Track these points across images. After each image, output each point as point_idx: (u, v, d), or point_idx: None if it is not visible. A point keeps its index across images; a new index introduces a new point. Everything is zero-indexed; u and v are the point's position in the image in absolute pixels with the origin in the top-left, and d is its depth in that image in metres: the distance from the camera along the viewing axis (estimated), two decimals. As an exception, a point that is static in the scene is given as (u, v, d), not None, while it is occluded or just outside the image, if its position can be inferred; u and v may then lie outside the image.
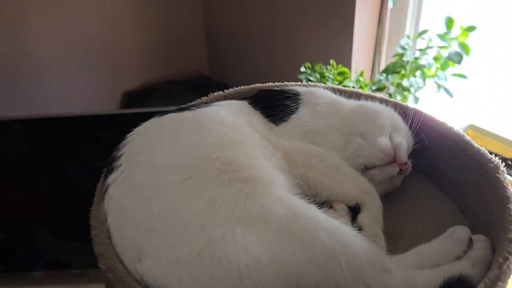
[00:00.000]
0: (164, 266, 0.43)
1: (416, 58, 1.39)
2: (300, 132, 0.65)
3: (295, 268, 0.42)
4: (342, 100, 0.73)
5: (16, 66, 1.81)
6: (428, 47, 1.38)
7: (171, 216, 0.45)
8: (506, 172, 0.58)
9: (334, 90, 0.76)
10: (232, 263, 0.41)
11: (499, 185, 0.55)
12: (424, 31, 1.42)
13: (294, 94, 0.71)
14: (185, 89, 2.21)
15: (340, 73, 1.37)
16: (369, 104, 0.72)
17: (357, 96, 0.77)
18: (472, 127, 1.53)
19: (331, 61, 1.38)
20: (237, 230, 0.43)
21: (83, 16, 1.93)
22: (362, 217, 0.57)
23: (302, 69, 1.42)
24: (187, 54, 2.36)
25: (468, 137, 0.65)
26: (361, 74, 1.40)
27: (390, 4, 1.59)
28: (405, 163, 0.64)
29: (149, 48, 2.21)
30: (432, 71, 1.39)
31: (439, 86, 1.37)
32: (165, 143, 0.54)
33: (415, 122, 0.69)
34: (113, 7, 2.02)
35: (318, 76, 1.38)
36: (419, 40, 1.50)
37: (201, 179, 0.48)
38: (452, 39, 1.34)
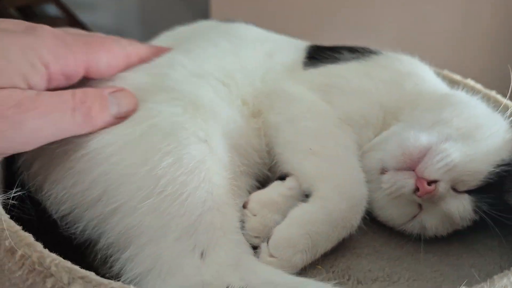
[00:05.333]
0: None
1: None
2: (320, 82, 0.49)
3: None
4: (433, 81, 0.51)
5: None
6: None
7: None
8: None
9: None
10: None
11: None
12: None
13: (370, 51, 0.52)
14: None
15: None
16: (463, 96, 0.49)
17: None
18: None
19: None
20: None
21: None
22: (296, 208, 0.40)
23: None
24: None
25: None
26: None
27: None
28: (431, 183, 0.40)
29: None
30: None
31: None
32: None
33: None
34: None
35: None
36: None
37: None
38: None
